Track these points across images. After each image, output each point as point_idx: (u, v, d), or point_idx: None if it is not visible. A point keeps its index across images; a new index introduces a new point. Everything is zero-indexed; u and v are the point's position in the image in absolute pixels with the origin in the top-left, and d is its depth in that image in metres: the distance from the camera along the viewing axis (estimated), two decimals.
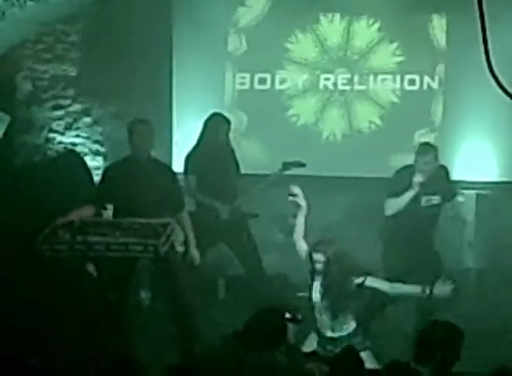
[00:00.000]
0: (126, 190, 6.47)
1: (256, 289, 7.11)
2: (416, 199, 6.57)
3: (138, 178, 6.51)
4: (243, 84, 8.45)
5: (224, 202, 7.26)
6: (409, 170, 6.74)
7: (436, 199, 6.78)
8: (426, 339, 4.21)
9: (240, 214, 7.46)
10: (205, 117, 7.55)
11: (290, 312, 4.68)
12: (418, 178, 6.50)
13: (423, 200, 6.72)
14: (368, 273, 5.69)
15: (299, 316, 4.79)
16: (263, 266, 7.51)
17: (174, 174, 6.91)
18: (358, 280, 5.66)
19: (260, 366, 4.16)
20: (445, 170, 6.91)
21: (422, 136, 8.12)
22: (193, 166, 7.23)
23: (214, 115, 7.37)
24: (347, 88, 8.25)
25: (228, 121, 7.32)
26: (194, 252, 6.90)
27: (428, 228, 6.81)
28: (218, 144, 7.28)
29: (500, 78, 2.81)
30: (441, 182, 6.83)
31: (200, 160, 7.21)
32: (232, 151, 7.47)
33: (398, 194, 6.66)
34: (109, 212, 6.71)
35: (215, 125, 7.28)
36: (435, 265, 6.76)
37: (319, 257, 5.53)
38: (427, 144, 6.94)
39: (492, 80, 2.77)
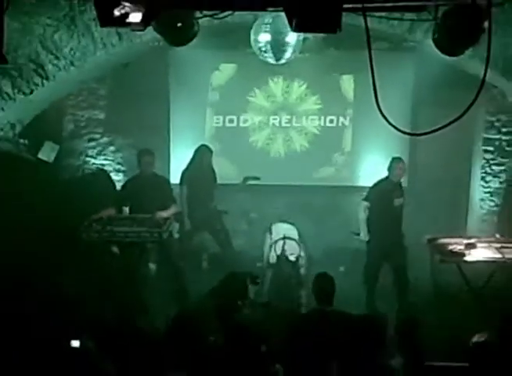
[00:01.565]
0: (138, 196, 7.42)
1: (228, 261, 7.96)
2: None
3: (145, 187, 7.39)
4: (217, 123, 9.54)
5: (204, 203, 8.21)
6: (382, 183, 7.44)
7: (402, 199, 7.36)
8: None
9: (216, 211, 8.44)
10: (192, 145, 8.58)
11: (251, 277, 5.51)
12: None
13: (397, 201, 7.30)
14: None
15: (257, 280, 5.62)
16: (233, 246, 8.54)
17: (169, 183, 7.80)
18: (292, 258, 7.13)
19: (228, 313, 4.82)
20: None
21: (337, 157, 9.49)
22: (186, 179, 8.22)
23: (202, 146, 8.34)
24: (288, 124, 9.50)
25: (210, 150, 8.29)
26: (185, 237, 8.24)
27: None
28: (203, 165, 8.24)
29: (387, 116, 3.33)
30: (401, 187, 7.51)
31: (191, 175, 8.20)
32: (213, 170, 8.41)
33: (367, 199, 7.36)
34: (126, 211, 7.62)
35: (202, 153, 8.27)
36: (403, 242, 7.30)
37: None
38: (398, 157, 7.50)
39: (381, 117, 3.35)
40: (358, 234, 7.58)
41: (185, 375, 3.69)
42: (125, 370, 3.81)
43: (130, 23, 3.48)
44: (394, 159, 7.41)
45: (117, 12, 3.37)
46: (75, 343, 3.69)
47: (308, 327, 4.72)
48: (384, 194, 7.30)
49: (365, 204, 7.41)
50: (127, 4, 3.36)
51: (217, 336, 4.34)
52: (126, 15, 3.40)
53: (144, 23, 3.52)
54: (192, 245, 8.58)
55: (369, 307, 7.12)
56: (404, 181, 8.78)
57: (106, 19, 3.43)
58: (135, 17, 3.43)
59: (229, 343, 4.03)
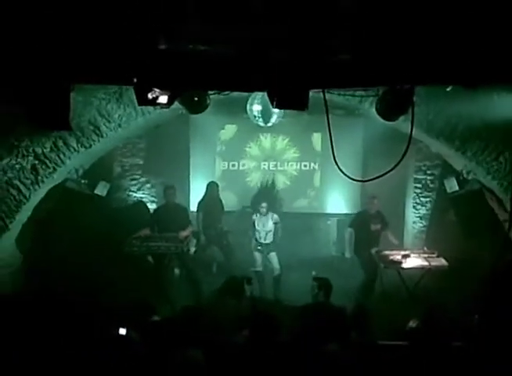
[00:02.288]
0: (164, 219, 7.47)
1: (231, 267, 7.91)
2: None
3: (170, 213, 7.47)
4: (224, 166, 9.46)
5: (214, 225, 8.13)
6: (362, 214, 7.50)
7: (379, 226, 7.37)
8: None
9: (223, 230, 8.36)
10: (206, 182, 8.52)
11: (246, 279, 5.36)
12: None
13: (373, 227, 7.35)
14: None
15: (251, 281, 5.39)
16: (235, 256, 8.35)
17: (187, 210, 7.87)
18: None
19: (233, 308, 4.80)
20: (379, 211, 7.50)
21: (310, 192, 9.41)
22: (201, 207, 8.16)
23: (211, 182, 8.35)
24: (274, 168, 9.42)
25: (217, 185, 8.28)
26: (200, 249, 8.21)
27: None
28: (212, 196, 8.22)
29: (345, 164, 3.93)
30: (380, 216, 7.43)
31: (204, 204, 8.17)
32: (220, 200, 8.37)
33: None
34: (156, 231, 7.49)
35: (211, 187, 8.25)
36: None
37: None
38: (373, 195, 7.47)
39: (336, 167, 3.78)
40: (343, 253, 7.64)
41: (201, 353, 3.56)
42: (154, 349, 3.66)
43: (159, 103, 3.51)
44: (369, 196, 7.52)
45: (150, 96, 3.39)
46: (122, 331, 3.59)
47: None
48: (361, 222, 7.38)
49: (350, 230, 7.42)
50: (157, 90, 3.37)
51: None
52: (156, 97, 3.42)
53: (169, 103, 3.57)
54: (205, 255, 8.49)
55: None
56: (358, 209, 9.00)
57: (142, 100, 3.46)
58: (163, 99, 3.47)
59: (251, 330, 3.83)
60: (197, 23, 2.38)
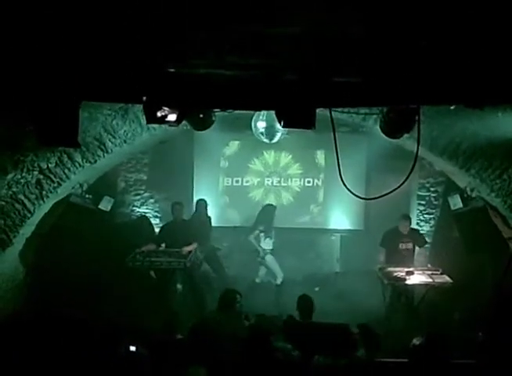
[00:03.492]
0: (170, 236, 7.51)
1: (223, 283, 7.78)
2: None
3: (176, 230, 7.50)
4: (227, 183, 9.43)
5: (203, 243, 7.90)
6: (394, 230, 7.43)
7: (410, 245, 7.43)
8: None
9: (212, 248, 8.39)
10: (209, 198, 8.61)
11: (238, 294, 5.38)
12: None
13: (403, 245, 7.38)
14: None
15: (241, 296, 5.37)
16: (225, 271, 8.52)
17: (193, 226, 7.71)
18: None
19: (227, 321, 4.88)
20: (416, 230, 7.75)
21: (313, 208, 9.37)
22: None
23: (199, 200, 8.34)
24: (278, 184, 9.39)
25: (205, 203, 8.26)
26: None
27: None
28: (201, 214, 8.21)
29: (349, 180, 3.84)
30: (415, 235, 7.52)
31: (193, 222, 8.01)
32: (209, 218, 8.30)
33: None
34: (163, 246, 7.57)
35: (200, 205, 8.29)
36: None
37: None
38: (406, 215, 7.54)
39: (341, 182, 3.76)
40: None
41: (205, 371, 3.55)
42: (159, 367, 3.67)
43: (168, 121, 3.54)
44: (402, 216, 7.48)
45: (159, 114, 3.42)
46: (132, 348, 3.56)
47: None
48: (391, 239, 7.42)
49: (383, 249, 7.48)
50: (166, 108, 3.40)
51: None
52: (165, 116, 3.45)
53: (178, 121, 3.59)
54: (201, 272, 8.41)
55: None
56: (361, 225, 9.28)
57: (152, 118, 3.49)
58: (172, 117, 3.49)
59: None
60: (208, 51, 2.41)
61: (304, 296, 5.09)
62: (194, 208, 8.35)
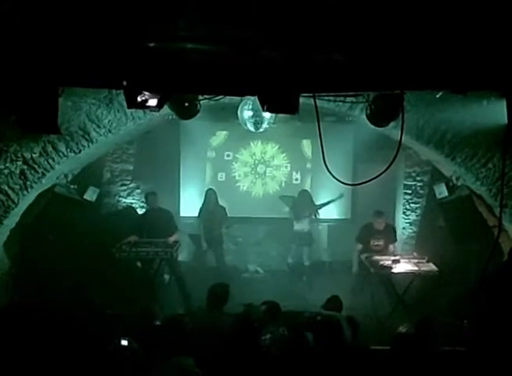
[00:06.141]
0: (150, 225, 7.58)
1: (220, 273, 7.90)
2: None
3: (154, 218, 7.60)
4: (214, 172, 9.42)
5: (210, 231, 8.16)
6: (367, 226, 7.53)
7: (382, 241, 7.49)
8: None
9: (219, 236, 8.33)
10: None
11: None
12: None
13: (374, 242, 7.49)
14: None
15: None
16: (225, 261, 8.47)
17: (172, 215, 7.78)
18: None
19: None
20: (391, 227, 7.70)
21: None
22: (200, 215, 8.27)
23: (209, 189, 8.39)
24: (264, 174, 9.39)
25: (214, 192, 8.27)
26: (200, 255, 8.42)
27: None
28: (210, 203, 8.23)
29: (335, 169, 3.68)
30: (388, 232, 7.54)
31: (203, 212, 8.28)
32: (221, 207, 8.32)
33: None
34: (145, 236, 7.55)
35: (208, 195, 8.28)
36: None
37: None
38: (378, 211, 7.44)
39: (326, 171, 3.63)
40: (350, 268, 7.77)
41: (192, 360, 3.51)
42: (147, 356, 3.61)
43: (149, 106, 3.49)
44: (375, 212, 7.48)
45: (139, 99, 3.38)
46: (124, 342, 3.44)
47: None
48: (364, 235, 7.54)
49: (360, 246, 7.55)
50: (146, 93, 3.36)
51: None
52: (146, 100, 3.41)
53: (159, 106, 3.54)
54: (205, 261, 8.55)
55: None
56: (348, 214, 9.32)
57: (132, 103, 3.43)
58: (153, 102, 3.45)
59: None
60: (188, 22, 2.34)
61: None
62: (204, 197, 8.38)
